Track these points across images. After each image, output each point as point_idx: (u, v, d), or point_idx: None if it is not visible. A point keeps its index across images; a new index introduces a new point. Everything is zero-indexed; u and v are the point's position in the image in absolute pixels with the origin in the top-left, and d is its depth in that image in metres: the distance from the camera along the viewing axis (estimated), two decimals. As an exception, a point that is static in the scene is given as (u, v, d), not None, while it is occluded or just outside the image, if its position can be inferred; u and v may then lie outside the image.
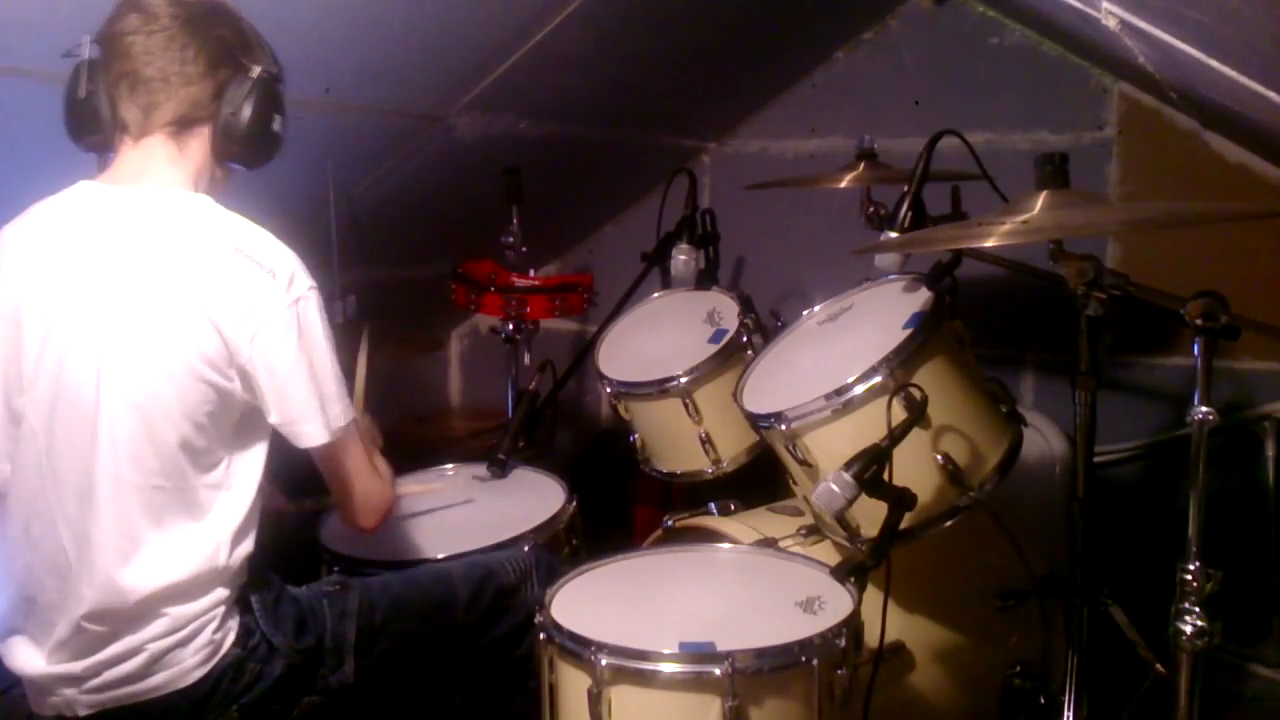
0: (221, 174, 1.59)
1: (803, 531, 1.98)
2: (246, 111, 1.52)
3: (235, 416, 1.50)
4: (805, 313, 2.02)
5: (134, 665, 1.47)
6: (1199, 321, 1.43)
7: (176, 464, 1.45)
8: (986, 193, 1.89)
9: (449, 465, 2.41)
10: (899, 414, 1.58)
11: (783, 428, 1.72)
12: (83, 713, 1.49)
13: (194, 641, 1.48)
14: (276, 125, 1.57)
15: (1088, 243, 1.71)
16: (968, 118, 2.27)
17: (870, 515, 1.63)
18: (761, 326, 2.26)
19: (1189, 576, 1.44)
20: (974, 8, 2.98)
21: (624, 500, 3.07)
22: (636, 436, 2.37)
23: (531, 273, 2.84)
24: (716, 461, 2.25)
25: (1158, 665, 1.79)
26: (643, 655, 1.47)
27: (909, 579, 1.74)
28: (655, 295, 2.58)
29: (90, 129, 1.52)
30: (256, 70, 1.53)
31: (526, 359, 2.83)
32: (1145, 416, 2.87)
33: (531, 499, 2.18)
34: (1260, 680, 2.69)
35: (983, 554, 2.05)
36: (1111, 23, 1.89)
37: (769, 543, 1.93)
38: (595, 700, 1.48)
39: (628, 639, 1.50)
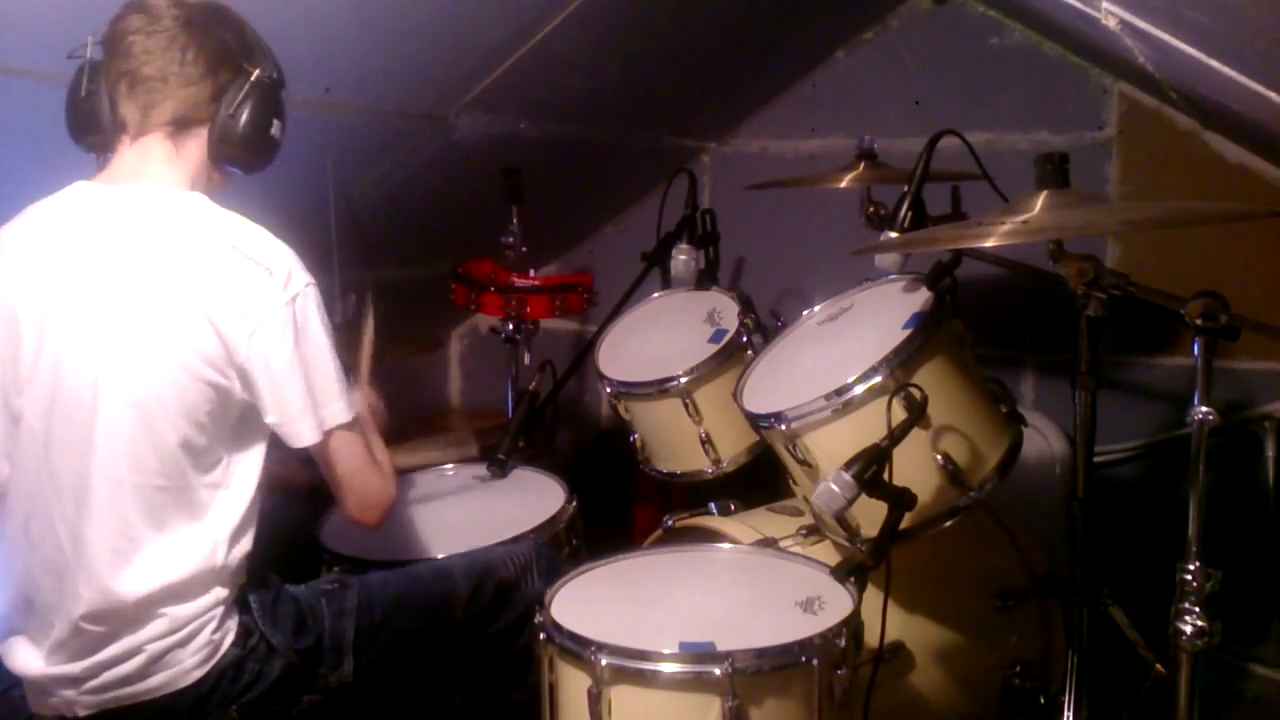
0: (219, 178, 1.59)
1: (803, 531, 1.98)
2: (244, 115, 1.52)
3: (234, 415, 1.50)
4: (805, 313, 2.02)
5: (133, 666, 1.47)
6: (1199, 321, 1.43)
7: (177, 464, 1.45)
8: (986, 193, 1.89)
9: (449, 465, 2.41)
10: (899, 414, 1.58)
11: (783, 428, 1.72)
12: (82, 713, 1.49)
13: (193, 642, 1.48)
14: (275, 130, 1.57)
15: (1088, 243, 1.71)
16: (968, 118, 2.27)
17: (870, 515, 1.63)
18: (761, 326, 2.26)
19: (1189, 576, 1.44)
20: (974, 8, 2.98)
21: (624, 500, 3.07)
22: (636, 436, 2.37)
23: (531, 273, 2.84)
24: (716, 461, 2.24)
25: (1158, 665, 1.78)
26: (643, 655, 1.47)
27: (909, 579, 1.74)
28: (655, 295, 2.58)
29: (91, 128, 1.52)
30: (256, 74, 1.53)
31: (526, 359, 2.83)
32: (1145, 416, 2.87)
33: (531, 499, 2.17)
34: (1260, 680, 2.69)
35: (983, 554, 2.05)
36: (1111, 23, 1.89)
37: (769, 543, 1.93)
38: (595, 700, 1.48)
39: (628, 639, 1.50)
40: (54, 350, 1.45)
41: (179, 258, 1.45)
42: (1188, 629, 1.45)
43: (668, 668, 1.47)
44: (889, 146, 2.38)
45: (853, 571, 1.62)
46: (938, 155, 1.89)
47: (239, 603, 1.55)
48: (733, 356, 2.20)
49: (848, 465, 1.53)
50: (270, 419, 1.49)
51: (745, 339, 2.22)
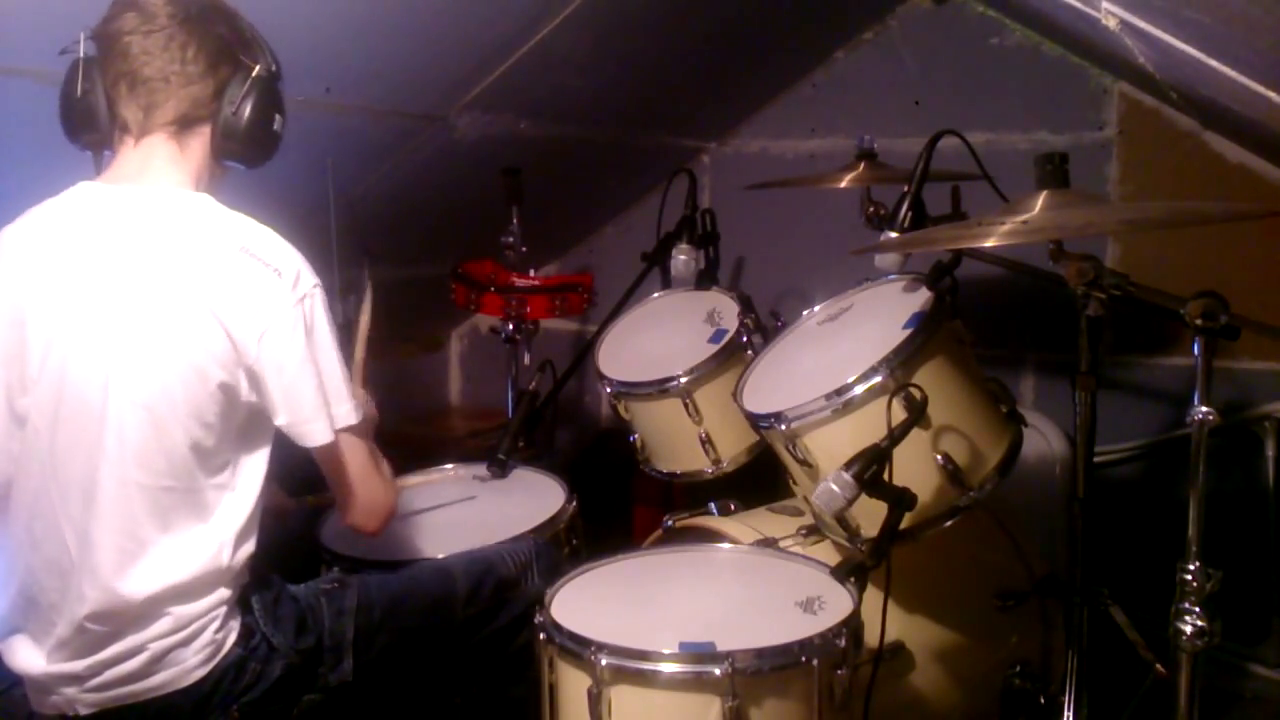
0: (220, 172, 1.59)
1: (803, 531, 1.98)
2: (247, 110, 1.52)
3: (241, 417, 1.49)
4: (805, 313, 2.02)
5: (135, 664, 1.46)
6: (1199, 321, 1.43)
7: (186, 465, 1.45)
8: (986, 193, 1.89)
9: (449, 465, 2.41)
10: (899, 414, 1.58)
11: (783, 428, 1.72)
12: (83, 712, 1.49)
13: (196, 641, 1.48)
14: (277, 124, 1.57)
15: (1088, 243, 1.71)
16: (968, 118, 2.27)
17: (870, 515, 1.63)
18: (761, 326, 2.26)
19: (1189, 576, 1.44)
20: (974, 8, 2.98)
21: (624, 500, 3.07)
22: (636, 436, 2.37)
23: (531, 273, 2.84)
24: (716, 461, 2.25)
25: (1158, 665, 1.78)
26: (643, 655, 1.47)
27: (909, 579, 1.74)
28: (655, 295, 2.58)
29: (87, 127, 1.51)
30: (256, 68, 1.53)
31: (526, 359, 2.83)
32: (1145, 416, 2.87)
33: (531, 499, 2.17)
34: (1260, 680, 2.69)
35: (983, 554, 2.05)
36: (1111, 23, 1.89)
37: (769, 543, 1.93)
38: (595, 700, 1.48)
39: (628, 639, 1.50)
40: (62, 352, 1.45)
41: (188, 259, 1.45)
42: (1188, 629, 1.45)
43: (668, 668, 1.47)
44: (889, 146, 2.39)
45: (853, 571, 1.62)
46: (937, 155, 1.89)
47: (241, 603, 1.55)
48: (733, 356, 2.20)
49: (848, 465, 1.53)
50: (281, 420, 1.49)
51: (745, 339, 2.22)
